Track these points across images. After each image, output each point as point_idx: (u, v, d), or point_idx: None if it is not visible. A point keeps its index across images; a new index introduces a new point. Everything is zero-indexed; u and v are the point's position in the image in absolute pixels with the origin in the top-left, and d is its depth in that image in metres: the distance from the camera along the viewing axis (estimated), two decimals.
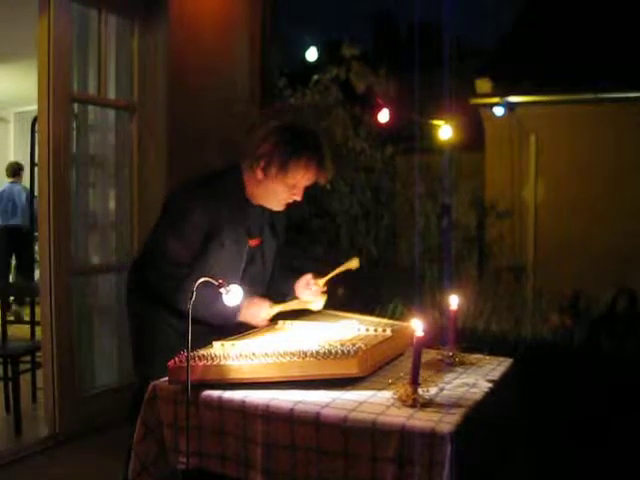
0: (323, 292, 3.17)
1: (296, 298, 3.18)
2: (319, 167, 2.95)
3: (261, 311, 3.00)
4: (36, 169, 5.65)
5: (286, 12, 6.62)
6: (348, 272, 3.20)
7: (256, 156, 2.92)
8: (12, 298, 8.19)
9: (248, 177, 2.99)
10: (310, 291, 3.16)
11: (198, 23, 5.43)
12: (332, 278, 3.18)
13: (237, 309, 2.89)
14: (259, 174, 2.92)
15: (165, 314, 2.99)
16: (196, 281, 2.78)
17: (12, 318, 7.66)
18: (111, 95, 5.11)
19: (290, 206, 3.08)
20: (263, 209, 3.06)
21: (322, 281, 3.17)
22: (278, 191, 2.96)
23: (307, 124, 3.56)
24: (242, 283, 2.67)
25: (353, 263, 3.17)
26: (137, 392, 3.12)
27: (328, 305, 3.28)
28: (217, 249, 2.94)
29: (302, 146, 2.91)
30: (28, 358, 5.10)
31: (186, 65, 5.27)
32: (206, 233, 2.91)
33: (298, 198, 3.01)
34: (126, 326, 3.27)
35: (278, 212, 3.12)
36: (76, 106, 4.89)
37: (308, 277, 3.17)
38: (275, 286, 3.24)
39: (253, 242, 3.05)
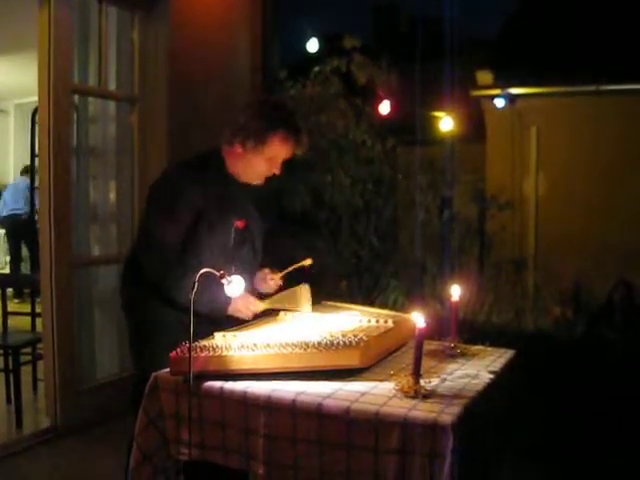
0: (280, 286, 3.19)
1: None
2: (296, 139, 2.99)
3: (250, 305, 2.99)
4: (36, 161, 5.64)
5: (287, 3, 6.59)
6: (344, 265, 3.22)
7: (234, 130, 2.96)
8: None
9: (227, 153, 3.02)
10: (267, 285, 3.18)
11: (199, 15, 5.41)
12: (288, 273, 3.21)
13: (227, 302, 2.89)
14: (238, 148, 2.96)
15: (164, 305, 2.97)
16: (187, 267, 2.79)
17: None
18: (112, 87, 5.10)
19: (269, 180, 3.10)
20: (246, 189, 3.07)
21: (278, 275, 3.19)
22: (256, 164, 2.99)
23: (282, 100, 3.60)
24: (234, 267, 2.68)
25: (307, 261, 3.20)
26: (137, 383, 3.13)
27: (330, 297, 3.28)
28: (206, 231, 2.94)
29: (279, 119, 2.95)
30: (29, 350, 5.11)
31: (187, 57, 5.26)
32: (195, 213, 2.91)
33: (277, 171, 3.04)
34: (125, 320, 3.26)
35: (261, 191, 3.13)
36: (76, 98, 4.89)
37: (266, 271, 3.20)
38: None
39: (240, 224, 3.04)
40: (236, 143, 2.95)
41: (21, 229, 9.42)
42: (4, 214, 9.77)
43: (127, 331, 3.20)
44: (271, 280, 3.18)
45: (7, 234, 10.01)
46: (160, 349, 2.65)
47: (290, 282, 3.19)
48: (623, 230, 9.27)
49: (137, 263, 3.05)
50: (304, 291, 3.10)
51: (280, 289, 3.17)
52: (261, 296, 3.12)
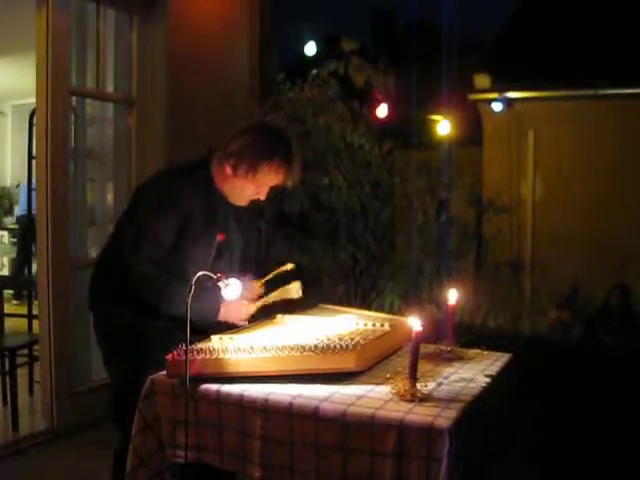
0: (260, 292, 3.14)
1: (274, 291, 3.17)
2: (288, 171, 2.96)
3: (241, 309, 2.98)
4: (34, 162, 5.63)
5: (285, 6, 6.60)
6: (341, 268, 3.22)
7: (227, 152, 2.92)
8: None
9: (216, 170, 2.98)
10: (248, 292, 3.06)
11: (197, 18, 5.42)
12: (269, 280, 3.18)
13: (217, 308, 2.88)
14: (228, 170, 2.92)
15: (143, 311, 2.93)
16: (173, 279, 2.77)
17: None
18: (109, 89, 5.11)
19: (252, 203, 3.08)
20: (229, 203, 3.04)
21: (259, 282, 3.16)
22: (244, 189, 2.97)
23: (280, 127, 3.56)
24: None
25: (288, 266, 3.18)
26: (116, 393, 3.11)
27: (327, 300, 3.29)
28: (189, 242, 2.91)
29: (274, 149, 2.91)
30: (25, 351, 5.10)
31: (185, 60, 5.26)
32: (183, 220, 2.88)
33: (262, 197, 3.02)
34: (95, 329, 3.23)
35: (242, 207, 3.11)
36: (74, 99, 4.89)
37: (246, 278, 3.08)
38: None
39: (220, 237, 3.03)
40: (227, 165, 2.92)
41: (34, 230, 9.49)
42: (18, 214, 9.91)
43: (98, 341, 3.16)
44: (252, 287, 3.12)
45: (19, 234, 10.07)
46: (142, 355, 2.64)
47: (273, 287, 3.17)
48: (620, 234, 9.29)
49: (110, 269, 3.02)
50: (294, 286, 3.10)
51: (261, 296, 3.13)
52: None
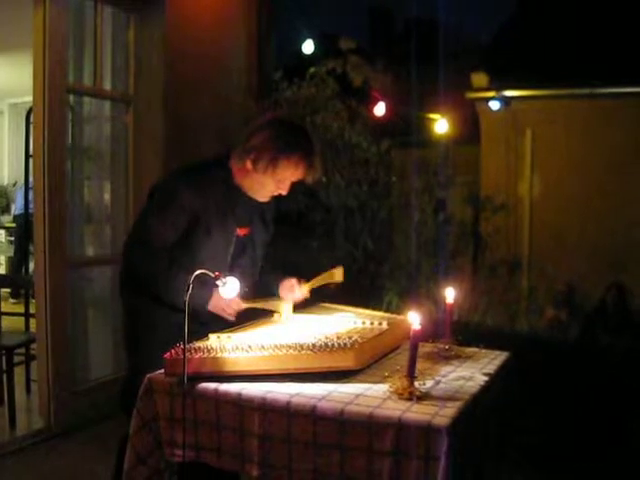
0: (305, 297, 3.17)
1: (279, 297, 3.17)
2: (309, 166, 2.95)
3: (231, 304, 2.98)
4: (31, 161, 5.63)
5: (283, 4, 6.60)
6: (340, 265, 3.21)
7: (247, 147, 2.93)
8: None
9: (236, 167, 2.99)
10: (293, 295, 3.14)
11: (194, 15, 5.41)
12: (316, 287, 3.18)
13: (207, 298, 2.88)
14: (248, 165, 2.92)
15: (159, 306, 2.96)
16: (175, 268, 2.79)
17: None
18: (107, 87, 5.10)
19: (274, 198, 3.09)
20: (253, 199, 3.05)
21: (306, 287, 3.16)
22: (265, 184, 2.97)
23: (300, 121, 3.56)
24: (231, 274, 2.66)
25: (337, 275, 3.17)
26: (126, 382, 3.13)
27: (324, 299, 3.29)
28: (203, 236, 2.93)
29: (295, 143, 2.91)
30: (22, 350, 5.09)
31: (182, 57, 5.26)
32: (192, 217, 2.90)
33: (284, 192, 3.02)
34: (121, 319, 3.27)
35: (268, 203, 3.12)
36: (71, 97, 4.88)
37: (293, 281, 3.17)
38: (264, 283, 3.23)
39: (242, 231, 3.04)
40: (247, 160, 2.92)
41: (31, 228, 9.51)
42: (16, 213, 9.94)
43: (124, 328, 3.20)
44: (299, 292, 3.14)
45: (16, 233, 10.09)
46: (154, 348, 2.65)
47: (317, 294, 3.17)
48: (617, 232, 9.30)
49: (131, 264, 3.05)
50: (338, 271, 3.11)
51: (306, 301, 3.16)
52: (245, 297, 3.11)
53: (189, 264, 2.84)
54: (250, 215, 3.09)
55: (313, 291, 3.20)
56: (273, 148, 2.89)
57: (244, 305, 3.00)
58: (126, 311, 3.16)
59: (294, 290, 3.15)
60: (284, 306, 3.06)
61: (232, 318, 2.98)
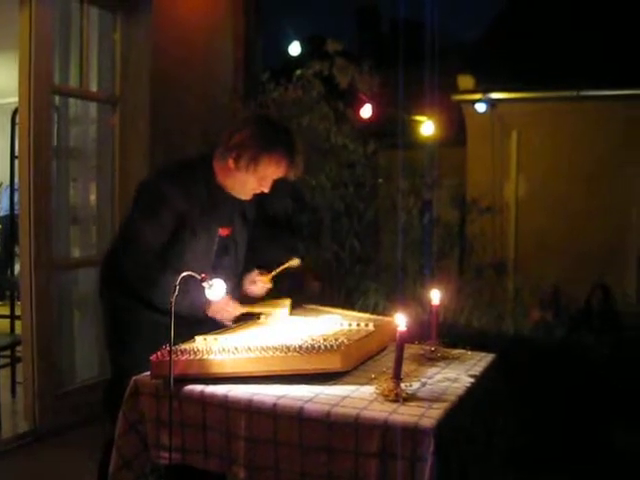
0: (268, 288, 3.20)
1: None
2: (290, 163, 2.96)
3: (229, 308, 2.98)
4: (16, 162, 5.60)
5: (270, 6, 6.60)
6: (324, 267, 3.23)
7: (229, 146, 2.93)
8: None
9: (218, 165, 2.99)
10: (256, 287, 3.19)
11: (181, 17, 5.41)
12: (277, 275, 3.21)
13: (206, 303, 2.88)
14: (230, 163, 2.93)
15: (145, 308, 2.96)
16: (167, 271, 2.79)
17: None
18: (93, 88, 5.08)
19: (256, 198, 3.09)
20: (234, 198, 3.06)
21: (267, 277, 3.19)
22: (247, 182, 2.97)
23: (285, 121, 3.56)
24: (215, 274, 2.66)
25: (294, 262, 3.21)
26: (111, 384, 3.12)
27: (311, 300, 3.29)
28: (189, 237, 2.93)
29: (276, 141, 2.92)
30: (8, 353, 5.06)
31: (169, 58, 5.25)
32: (179, 219, 2.90)
33: (266, 190, 3.03)
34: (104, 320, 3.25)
35: (249, 202, 3.13)
36: (57, 98, 4.86)
37: (254, 273, 3.20)
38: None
39: (224, 231, 3.05)
40: (229, 158, 2.92)
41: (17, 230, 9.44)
42: (1, 214, 9.86)
43: (105, 331, 3.19)
44: (260, 282, 3.18)
45: (2, 234, 10.02)
46: (140, 349, 2.64)
47: (278, 284, 3.19)
48: (602, 234, 9.35)
49: (115, 263, 3.04)
50: (285, 304, 3.11)
51: (269, 291, 3.17)
52: (243, 301, 3.12)
53: (175, 264, 2.84)
54: (231, 215, 3.10)
55: (282, 284, 3.24)
56: (255, 146, 2.89)
57: (242, 309, 3.01)
58: (109, 312, 3.14)
59: (257, 282, 3.18)
60: (281, 309, 3.07)
61: (230, 323, 2.99)
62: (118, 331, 3.10)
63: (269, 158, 2.91)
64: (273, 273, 3.21)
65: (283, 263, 3.22)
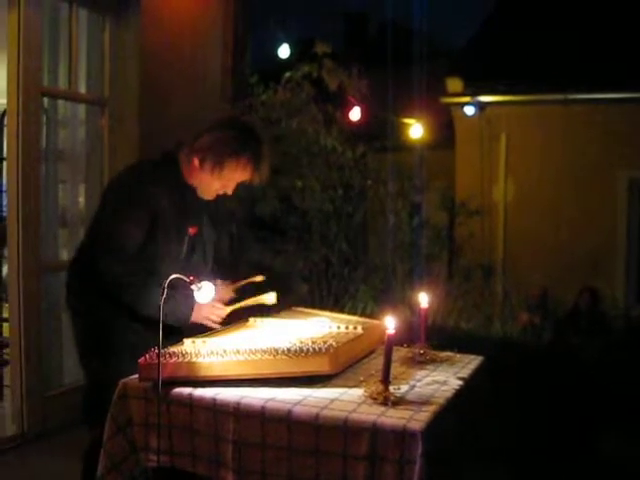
0: (230, 298, 3.12)
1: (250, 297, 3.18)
2: (256, 168, 2.96)
3: (214, 310, 2.97)
4: (4, 164, 5.58)
5: (258, 9, 6.60)
6: (313, 271, 3.23)
7: (196, 147, 2.92)
8: None
9: (184, 165, 2.98)
10: (218, 296, 2.96)
11: (170, 19, 5.40)
12: (241, 308, 3.10)
13: (189, 310, 2.87)
14: (195, 163, 2.92)
15: (119, 310, 2.91)
16: (142, 273, 2.76)
17: None
18: (82, 90, 5.07)
19: (219, 197, 3.07)
20: (200, 197, 3.04)
21: (231, 288, 3.14)
22: (211, 184, 2.97)
23: (250, 121, 3.55)
24: (184, 273, 2.63)
25: (258, 277, 3.18)
26: (88, 392, 3.09)
27: (299, 302, 3.29)
28: (161, 235, 2.90)
29: (241, 147, 2.91)
30: None
31: (158, 61, 5.24)
32: (152, 217, 2.87)
33: (229, 192, 3.02)
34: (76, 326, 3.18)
35: (216, 202, 3.11)
36: (46, 100, 4.84)
37: (218, 282, 3.03)
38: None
39: (192, 230, 3.03)
40: (194, 159, 2.91)
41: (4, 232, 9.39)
42: None
43: (76, 338, 3.12)
44: (225, 292, 3.11)
45: None
46: (116, 353, 2.63)
47: (242, 296, 3.16)
48: (589, 238, 9.40)
49: (85, 267, 2.98)
50: (270, 295, 3.11)
51: (231, 301, 3.12)
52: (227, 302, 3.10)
53: (146, 263, 2.82)
54: (199, 214, 3.08)
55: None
56: (220, 150, 2.89)
57: (228, 309, 3.00)
58: (79, 318, 3.07)
59: (219, 292, 3.00)
60: (269, 297, 3.08)
61: (218, 326, 2.97)
62: (91, 337, 3.04)
63: (236, 163, 2.90)
64: (237, 285, 3.18)
65: (249, 277, 3.19)
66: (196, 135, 2.95)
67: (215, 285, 2.80)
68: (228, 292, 3.12)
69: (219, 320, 2.98)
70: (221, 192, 3.02)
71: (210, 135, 2.93)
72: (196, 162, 2.91)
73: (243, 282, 3.19)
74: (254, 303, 3.12)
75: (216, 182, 2.95)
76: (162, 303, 2.32)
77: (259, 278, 3.17)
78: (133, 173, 3.03)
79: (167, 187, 2.92)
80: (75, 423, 4.53)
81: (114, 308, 2.90)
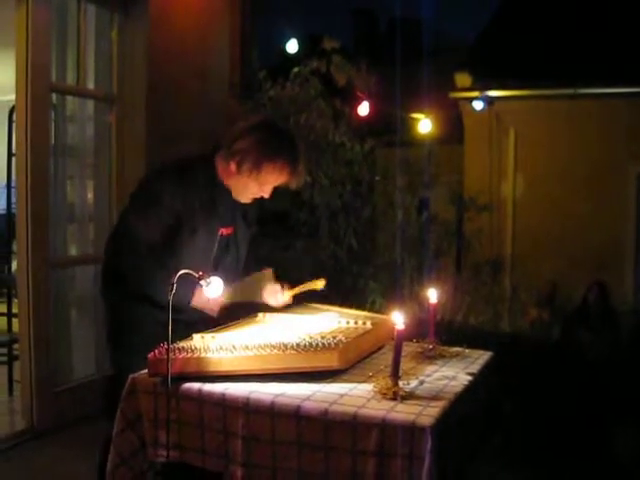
0: (287, 303, 3.22)
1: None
2: (293, 171, 2.97)
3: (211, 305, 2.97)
4: (13, 160, 5.59)
5: (267, 4, 6.59)
6: (325, 267, 3.24)
7: (233, 150, 2.92)
8: None
9: (221, 167, 2.99)
10: (275, 300, 3.20)
11: (178, 15, 5.40)
12: (298, 294, 3.22)
13: (190, 294, 2.87)
14: (232, 167, 2.92)
15: (146, 305, 2.95)
16: (166, 268, 2.78)
17: None
18: (90, 86, 5.07)
19: (256, 200, 3.09)
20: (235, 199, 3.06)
21: (289, 294, 3.21)
22: (248, 187, 2.98)
23: (286, 124, 3.55)
24: (215, 272, 2.66)
25: (319, 284, 3.22)
26: (111, 382, 3.12)
27: (308, 298, 3.30)
28: (188, 236, 2.92)
29: (279, 149, 2.92)
30: (5, 350, 5.06)
31: (165, 56, 5.24)
32: (177, 217, 2.89)
33: (266, 196, 3.03)
34: (103, 318, 3.24)
35: (250, 204, 3.12)
36: (54, 96, 4.85)
37: (277, 287, 3.21)
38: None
39: (226, 231, 3.05)
40: (232, 162, 2.92)
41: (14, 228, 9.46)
42: None
43: (105, 330, 3.18)
44: (282, 297, 3.19)
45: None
46: (138, 347, 2.64)
47: (298, 301, 3.22)
48: (599, 232, 9.36)
49: (111, 261, 3.03)
50: (266, 277, 3.13)
51: (288, 307, 3.20)
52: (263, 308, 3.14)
53: (173, 264, 2.83)
54: (233, 214, 3.09)
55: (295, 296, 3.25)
56: (258, 152, 2.89)
57: (287, 295, 3.11)
58: (110, 309, 3.14)
59: (277, 296, 3.20)
60: (319, 283, 3.15)
61: (214, 314, 2.98)
62: (117, 329, 3.09)
63: (272, 166, 2.91)
64: (296, 291, 3.22)
65: (305, 280, 3.24)
66: (233, 138, 2.95)
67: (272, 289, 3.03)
68: (286, 298, 3.20)
69: (217, 308, 2.99)
70: (258, 196, 3.03)
71: (246, 138, 2.92)
72: (233, 165, 2.92)
73: (303, 289, 3.23)
74: (307, 289, 3.19)
75: (253, 185, 2.96)
76: (170, 298, 2.32)
77: (320, 284, 3.22)
78: (163, 172, 3.03)
79: (197, 187, 2.93)
80: (84, 418, 4.57)
81: (139, 299, 2.93)
